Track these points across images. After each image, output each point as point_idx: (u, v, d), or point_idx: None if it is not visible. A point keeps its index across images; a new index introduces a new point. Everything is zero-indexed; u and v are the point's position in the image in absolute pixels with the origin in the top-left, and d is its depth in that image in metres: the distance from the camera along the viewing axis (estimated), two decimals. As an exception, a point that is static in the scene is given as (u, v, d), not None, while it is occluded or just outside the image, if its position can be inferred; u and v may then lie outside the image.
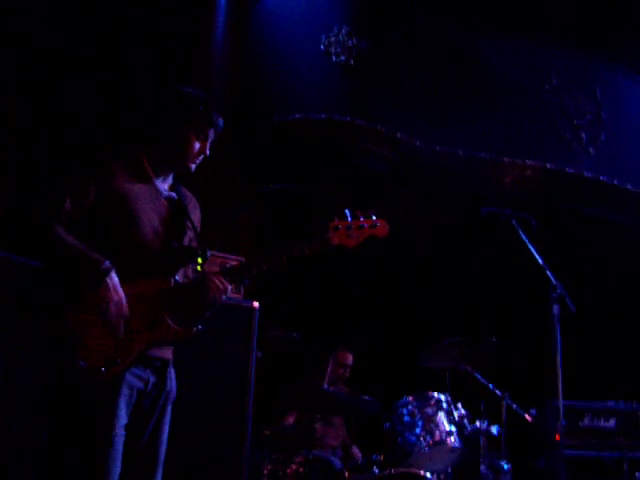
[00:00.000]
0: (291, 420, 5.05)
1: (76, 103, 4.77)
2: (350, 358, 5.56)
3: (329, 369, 5.37)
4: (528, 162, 6.00)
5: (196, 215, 2.96)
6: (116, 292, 2.56)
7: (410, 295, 6.43)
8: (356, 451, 5.40)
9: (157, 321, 2.63)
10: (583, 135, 6.32)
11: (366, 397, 4.65)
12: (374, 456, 4.59)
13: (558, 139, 6.22)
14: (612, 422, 5.50)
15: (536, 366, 5.20)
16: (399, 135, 5.60)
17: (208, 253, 2.77)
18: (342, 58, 5.68)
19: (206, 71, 5.19)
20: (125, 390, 2.56)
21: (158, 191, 2.80)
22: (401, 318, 6.36)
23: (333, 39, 5.72)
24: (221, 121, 2.84)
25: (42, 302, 2.66)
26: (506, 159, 5.93)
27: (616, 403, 5.66)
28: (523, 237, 4.30)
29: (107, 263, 2.55)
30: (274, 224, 5.64)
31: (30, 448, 3.42)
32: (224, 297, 2.71)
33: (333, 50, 5.69)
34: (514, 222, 4.35)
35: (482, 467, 4.63)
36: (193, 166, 2.85)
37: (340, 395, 4.73)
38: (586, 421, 5.44)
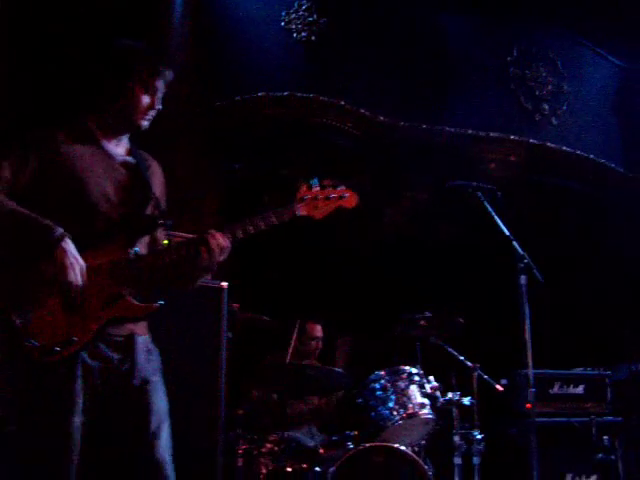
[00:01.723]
0: (255, 395, 5.02)
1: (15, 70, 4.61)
2: (319, 329, 5.49)
3: (295, 343, 5.35)
4: (492, 134, 6.03)
5: (158, 180, 2.78)
6: (75, 258, 2.38)
7: (379, 269, 6.44)
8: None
9: (115, 296, 2.46)
10: (546, 106, 6.37)
11: (336, 369, 4.65)
12: (348, 432, 4.60)
13: (521, 111, 6.27)
14: (581, 388, 5.59)
15: (505, 337, 5.25)
16: (363, 110, 5.58)
17: (169, 222, 2.62)
18: (303, 35, 5.63)
19: (165, 48, 5.09)
20: (81, 372, 2.38)
21: (110, 155, 2.63)
22: (371, 293, 6.38)
23: (293, 15, 5.67)
24: (170, 73, 2.66)
25: None
26: (470, 132, 5.95)
27: (584, 370, 5.76)
28: (489, 209, 4.31)
29: (61, 229, 2.38)
30: (238, 203, 5.59)
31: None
32: (223, 257, 2.57)
33: (294, 27, 5.64)
34: (479, 194, 4.36)
35: (455, 437, 4.68)
36: (145, 123, 2.65)
37: (307, 369, 4.71)
38: (555, 389, 5.53)
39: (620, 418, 5.54)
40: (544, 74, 6.46)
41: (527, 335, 3.92)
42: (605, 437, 5.24)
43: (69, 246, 2.38)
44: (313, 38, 5.63)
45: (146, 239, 2.65)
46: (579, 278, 6.53)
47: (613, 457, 5.27)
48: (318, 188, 2.73)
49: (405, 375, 4.64)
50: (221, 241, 2.56)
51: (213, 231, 2.58)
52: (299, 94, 5.41)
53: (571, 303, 6.51)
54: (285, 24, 5.63)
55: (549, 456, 5.12)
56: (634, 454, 5.52)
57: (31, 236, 2.39)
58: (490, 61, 6.26)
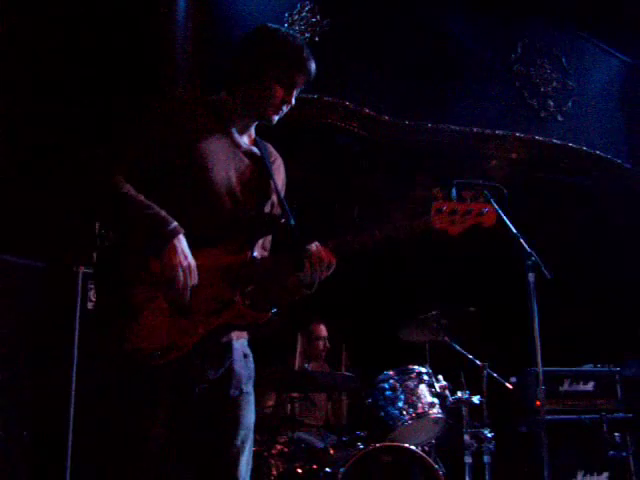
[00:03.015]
0: (270, 403, 5.03)
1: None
2: (323, 329, 5.54)
3: (303, 347, 5.37)
4: (497, 132, 6.01)
5: (280, 175, 2.55)
6: (185, 257, 2.12)
7: (386, 269, 6.43)
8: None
9: (226, 301, 2.20)
10: (551, 103, 6.36)
11: (345, 373, 4.65)
12: (358, 432, 4.60)
13: (526, 108, 6.25)
14: (590, 385, 5.58)
15: (515, 334, 5.23)
16: (367, 110, 5.57)
17: (292, 223, 2.33)
18: (306, 35, 5.62)
19: (168, 52, 5.10)
20: (173, 381, 2.17)
21: (236, 143, 2.39)
22: (378, 293, 6.37)
23: (296, 16, 5.66)
24: (312, 66, 2.44)
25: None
26: (475, 130, 5.94)
27: (594, 367, 5.75)
28: (496, 206, 4.30)
29: (175, 224, 2.13)
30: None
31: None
32: (327, 275, 2.30)
33: (297, 28, 5.63)
34: (486, 192, 4.35)
35: (465, 437, 4.67)
36: (275, 117, 2.42)
37: (317, 374, 4.71)
38: (565, 386, 5.51)
39: (631, 414, 5.51)
40: (549, 71, 6.44)
41: (536, 333, 3.91)
42: (616, 434, 5.22)
43: (181, 243, 2.15)
44: (317, 39, 5.62)
45: (261, 241, 2.41)
46: (587, 274, 6.51)
47: (624, 454, 5.25)
48: (457, 200, 2.46)
49: (414, 375, 4.64)
50: (325, 256, 2.30)
51: (318, 244, 2.31)
52: (303, 95, 5.39)
53: (579, 300, 6.49)
54: (288, 25, 5.62)
55: (560, 454, 5.11)
56: (645, 450, 5.51)
57: (144, 227, 2.15)
58: (494, 58, 6.25)
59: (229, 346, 2.32)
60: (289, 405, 4.64)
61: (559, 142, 6.26)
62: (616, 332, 6.46)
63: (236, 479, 2.30)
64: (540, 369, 3.95)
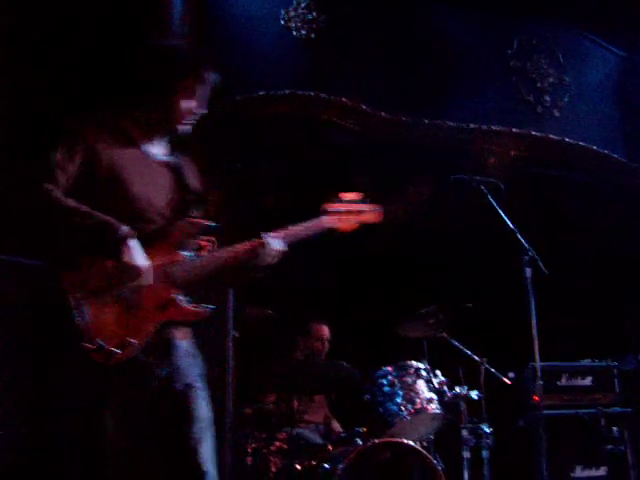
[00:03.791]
0: (271, 399, 5.04)
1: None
2: (326, 330, 5.47)
3: (303, 343, 5.37)
4: (494, 127, 6.01)
5: (196, 180, 2.71)
6: (141, 258, 2.32)
7: (384, 266, 6.43)
8: (336, 425, 5.42)
9: (168, 300, 2.39)
10: (547, 98, 6.36)
11: (344, 364, 4.65)
12: (356, 428, 4.61)
13: (522, 103, 6.25)
14: (588, 380, 5.59)
15: (512, 330, 5.24)
16: (364, 107, 5.57)
17: (216, 225, 2.56)
18: (302, 32, 5.62)
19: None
20: (127, 379, 2.31)
21: (150, 156, 2.56)
22: (376, 290, 6.37)
23: (292, 13, 5.65)
24: (213, 75, 2.58)
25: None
26: (472, 125, 5.94)
27: (592, 361, 5.76)
28: (493, 202, 4.31)
29: (126, 228, 2.30)
30: (239, 203, 5.58)
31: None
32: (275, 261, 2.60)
33: (293, 25, 5.63)
34: (483, 188, 4.36)
35: (464, 432, 4.68)
36: (187, 127, 2.59)
37: (318, 364, 4.71)
38: (563, 381, 5.52)
39: (629, 409, 5.53)
40: (545, 66, 6.44)
41: (533, 328, 3.92)
42: (614, 428, 5.23)
43: (135, 245, 2.32)
44: (313, 36, 5.61)
45: (192, 241, 2.59)
46: (585, 269, 6.52)
47: (623, 448, 5.27)
48: (343, 201, 2.81)
49: (412, 370, 4.64)
50: (278, 245, 2.61)
51: (270, 235, 2.61)
52: (300, 92, 5.40)
53: (578, 294, 6.50)
54: (284, 22, 5.62)
55: (558, 448, 5.12)
56: (643, 445, 5.52)
57: (95, 235, 2.30)
58: (490, 54, 6.25)
59: (173, 343, 2.47)
60: (288, 401, 4.65)
61: (556, 137, 6.25)
62: (614, 327, 6.48)
63: (199, 465, 2.39)
64: (538, 364, 3.97)
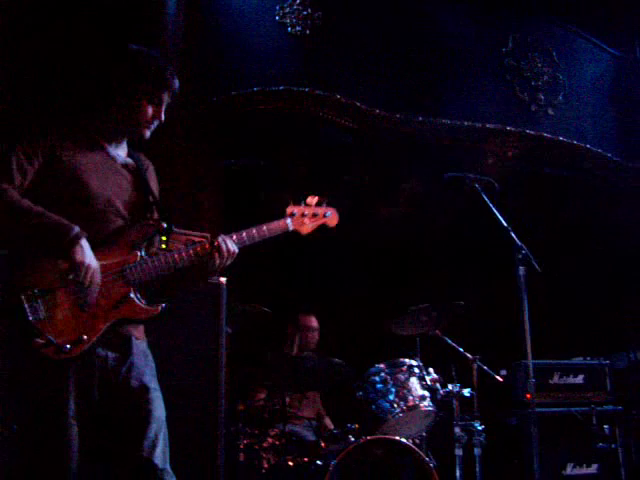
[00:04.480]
0: (262, 396, 5.03)
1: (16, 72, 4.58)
2: (314, 320, 5.58)
3: (296, 337, 5.39)
4: (488, 125, 6.02)
5: (154, 182, 2.82)
6: (90, 257, 2.40)
7: (377, 263, 6.44)
8: (329, 422, 5.43)
9: (122, 298, 2.49)
10: (541, 96, 6.37)
11: (335, 360, 4.66)
12: (349, 425, 4.61)
13: (517, 101, 6.26)
14: (580, 378, 5.60)
15: (505, 327, 5.26)
16: (358, 103, 5.57)
17: (173, 227, 2.65)
18: (297, 29, 5.61)
19: (159, 45, 5.07)
20: (85, 370, 2.41)
21: (112, 157, 2.66)
22: (369, 287, 6.38)
23: (288, 9, 5.64)
24: (176, 83, 2.67)
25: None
26: (466, 123, 5.94)
27: (583, 359, 5.77)
28: (487, 200, 4.32)
29: (77, 228, 2.39)
30: (235, 199, 5.58)
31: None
32: (230, 262, 2.68)
33: (288, 21, 5.62)
34: (477, 186, 4.37)
35: (456, 429, 4.69)
36: (147, 132, 2.67)
37: (310, 360, 4.73)
38: (555, 378, 5.54)
39: (620, 407, 5.55)
40: (539, 64, 6.45)
41: (526, 326, 3.93)
42: (605, 426, 5.25)
43: (85, 246, 2.40)
44: (308, 32, 5.61)
45: (150, 241, 2.67)
46: (578, 268, 6.54)
47: (614, 446, 5.28)
48: (304, 205, 2.91)
49: (405, 368, 4.65)
50: (231, 247, 2.67)
51: (224, 236, 2.68)
52: (295, 88, 5.40)
53: (570, 293, 6.52)
54: (279, 18, 5.61)
55: (550, 446, 5.14)
56: (635, 443, 5.54)
57: (48, 235, 2.39)
58: (485, 52, 6.25)
59: (129, 340, 2.56)
60: (281, 398, 4.64)
61: (550, 136, 6.27)
62: (606, 325, 6.50)
63: (155, 465, 2.47)
64: (530, 362, 3.98)
